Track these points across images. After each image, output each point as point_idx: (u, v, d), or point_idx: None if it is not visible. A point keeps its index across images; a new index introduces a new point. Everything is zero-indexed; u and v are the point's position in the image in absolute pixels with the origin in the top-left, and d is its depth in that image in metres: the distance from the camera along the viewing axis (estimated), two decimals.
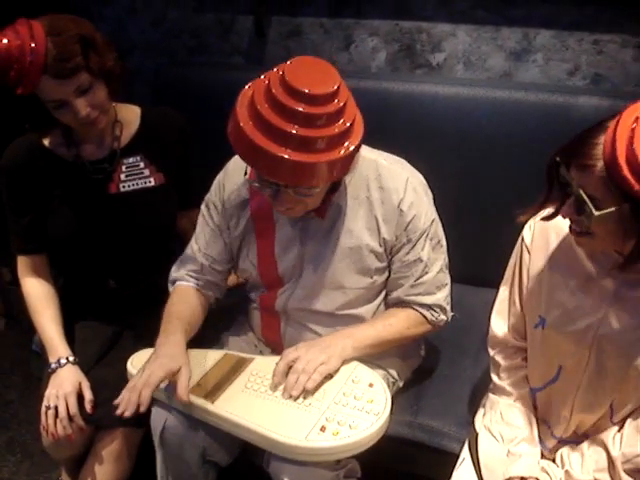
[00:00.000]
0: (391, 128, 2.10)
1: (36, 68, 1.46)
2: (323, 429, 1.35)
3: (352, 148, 1.30)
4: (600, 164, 1.06)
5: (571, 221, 1.20)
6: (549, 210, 1.28)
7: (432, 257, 1.57)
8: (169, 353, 1.47)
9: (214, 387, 1.49)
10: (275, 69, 1.27)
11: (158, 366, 1.43)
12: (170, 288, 1.72)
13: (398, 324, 1.59)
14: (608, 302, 1.27)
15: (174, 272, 1.72)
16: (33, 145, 1.71)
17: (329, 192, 1.49)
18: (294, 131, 1.23)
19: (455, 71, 2.23)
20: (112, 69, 1.60)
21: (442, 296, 1.60)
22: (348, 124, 1.29)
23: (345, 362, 1.52)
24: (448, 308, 1.64)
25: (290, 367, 1.46)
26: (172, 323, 1.57)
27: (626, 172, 1.02)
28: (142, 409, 1.39)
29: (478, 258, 2.07)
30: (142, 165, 1.76)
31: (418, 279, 1.57)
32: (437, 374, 1.85)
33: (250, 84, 1.32)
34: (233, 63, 2.48)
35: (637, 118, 1.03)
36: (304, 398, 1.43)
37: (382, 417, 1.39)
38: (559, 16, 2.03)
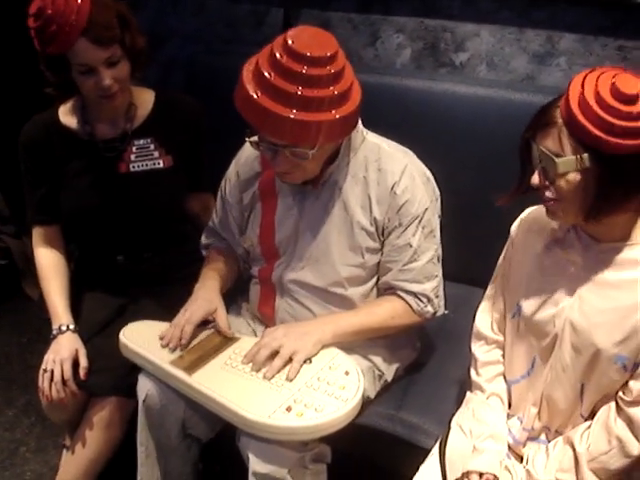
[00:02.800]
0: (411, 125, 2.10)
1: (77, 28, 1.54)
2: (289, 409, 1.38)
3: (348, 112, 1.39)
4: (560, 121, 1.16)
5: (540, 190, 1.24)
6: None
7: (423, 245, 1.59)
8: (206, 296, 1.65)
9: (195, 361, 1.54)
10: (276, 40, 1.37)
11: (197, 307, 1.61)
12: (204, 252, 1.87)
13: (383, 313, 1.61)
14: (578, 285, 1.29)
15: (204, 240, 1.87)
16: (50, 122, 1.80)
17: (326, 163, 1.54)
18: (298, 92, 1.33)
19: (478, 71, 2.22)
20: (140, 51, 1.70)
21: (430, 287, 1.61)
22: (346, 87, 1.39)
23: (325, 348, 1.54)
24: (436, 301, 1.64)
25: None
26: (208, 273, 1.75)
27: (581, 119, 1.11)
28: (184, 342, 1.57)
29: (485, 259, 2.04)
30: (152, 147, 1.83)
31: (406, 264, 1.58)
32: (429, 371, 1.85)
33: (253, 57, 1.42)
34: None
35: (585, 76, 1.15)
36: (279, 379, 1.47)
37: (350, 404, 1.41)
38: (584, 20, 2.00)
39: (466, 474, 1.35)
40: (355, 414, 1.44)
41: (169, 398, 1.57)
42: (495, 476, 1.33)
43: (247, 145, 1.69)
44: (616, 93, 1.10)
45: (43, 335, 2.69)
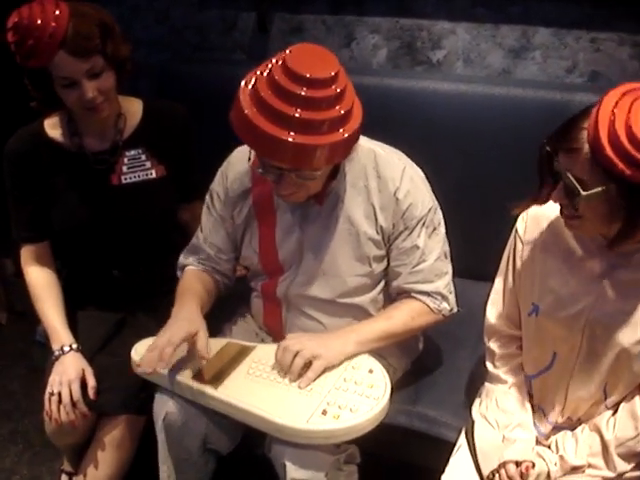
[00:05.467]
0: (391, 124, 2.11)
1: (55, 41, 1.49)
2: (324, 413, 1.38)
3: (352, 131, 1.35)
4: (586, 147, 1.11)
5: (561, 206, 1.24)
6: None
7: (429, 244, 1.59)
8: (187, 317, 1.53)
9: (217, 374, 1.51)
10: (276, 56, 1.32)
11: (178, 328, 1.48)
12: (179, 274, 1.76)
13: (402, 316, 1.60)
14: (598, 286, 1.31)
15: (182, 260, 1.77)
16: (36, 134, 1.74)
17: (329, 178, 1.52)
18: (297, 114, 1.28)
19: (455, 68, 2.26)
20: (124, 60, 1.66)
21: (442, 284, 1.62)
22: (349, 107, 1.34)
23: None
24: (450, 297, 1.64)
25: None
26: (186, 295, 1.64)
27: (609, 152, 1.07)
28: (163, 366, 1.44)
29: (477, 253, 2.08)
30: (144, 157, 1.79)
31: (415, 266, 1.59)
32: (435, 365, 1.87)
33: (251, 72, 1.36)
34: (236, 59, 2.52)
35: (617, 102, 1.08)
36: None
37: (382, 401, 1.42)
38: (558, 14, 2.06)
39: (502, 464, 1.37)
40: (387, 411, 1.45)
41: (190, 414, 1.54)
42: (532, 462, 1.36)
43: (233, 160, 1.67)
44: None
45: (20, 359, 2.63)
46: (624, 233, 1.17)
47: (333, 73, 1.30)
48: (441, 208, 1.65)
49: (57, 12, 1.50)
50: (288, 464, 1.42)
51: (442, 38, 2.22)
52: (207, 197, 1.72)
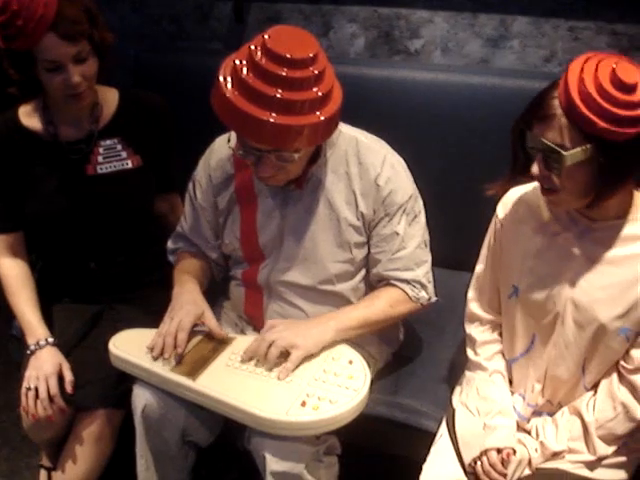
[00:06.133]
0: (369, 113, 2.09)
1: (45, 22, 1.48)
2: (304, 404, 1.37)
3: (330, 114, 1.36)
4: (559, 111, 1.14)
5: (541, 179, 1.24)
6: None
7: (409, 232, 1.59)
8: (190, 299, 1.58)
9: (195, 365, 1.50)
10: (254, 39, 1.32)
11: (185, 313, 1.53)
12: (171, 258, 1.80)
13: (381, 304, 1.60)
14: (574, 263, 1.32)
15: (172, 245, 1.81)
16: (11, 122, 1.71)
17: (309, 163, 1.52)
18: (277, 95, 1.28)
19: (433, 57, 2.25)
20: (108, 48, 1.65)
21: (421, 272, 1.62)
22: (328, 88, 1.35)
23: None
24: (429, 286, 1.65)
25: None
26: (184, 276, 1.68)
27: (584, 110, 1.10)
28: (180, 350, 1.49)
29: (458, 242, 2.08)
30: (120, 147, 1.77)
31: (395, 253, 1.59)
32: (416, 355, 1.87)
33: (229, 56, 1.36)
34: (212, 49, 2.49)
35: (582, 67, 1.13)
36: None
37: (361, 393, 1.41)
38: (535, 3, 2.06)
39: (484, 452, 1.37)
40: (366, 402, 1.44)
41: (169, 406, 1.52)
42: (513, 449, 1.36)
43: (216, 147, 1.67)
44: (617, 82, 1.09)
45: None
46: (600, 193, 1.19)
47: (312, 54, 1.31)
48: (422, 197, 1.65)
49: None
50: (268, 456, 1.41)
51: (420, 27, 2.21)
52: (189, 186, 1.72)
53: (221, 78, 1.34)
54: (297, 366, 1.46)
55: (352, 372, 1.47)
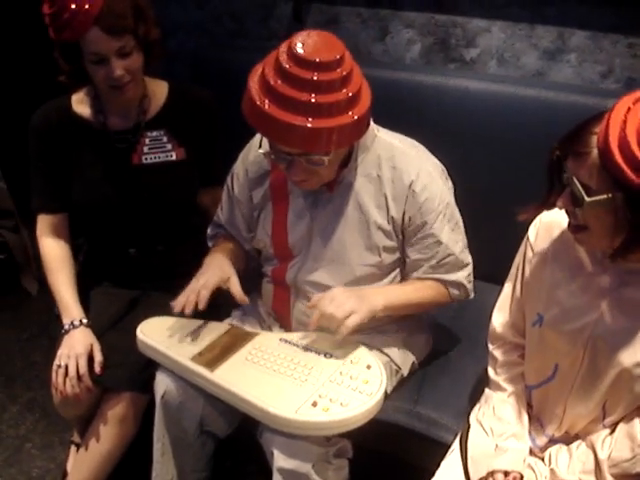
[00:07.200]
0: (421, 120, 2.11)
1: (90, 16, 1.53)
2: (315, 404, 1.38)
3: (362, 113, 1.37)
4: (595, 152, 1.07)
5: (568, 214, 1.20)
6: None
7: (452, 238, 1.60)
8: (218, 264, 1.64)
9: (216, 357, 1.53)
10: (280, 46, 1.34)
11: (211, 274, 1.59)
12: (210, 243, 1.84)
13: (425, 290, 1.63)
14: (604, 302, 1.27)
15: (210, 232, 1.86)
16: (64, 108, 1.78)
17: (340, 166, 1.53)
18: (311, 99, 1.30)
19: (488, 67, 2.22)
20: (154, 43, 1.69)
21: (463, 275, 1.64)
22: (357, 87, 1.36)
23: (346, 341, 1.53)
24: (469, 286, 1.68)
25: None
26: (217, 250, 1.75)
27: (618, 158, 1.03)
28: (201, 306, 1.53)
29: (495, 254, 2.04)
30: (165, 139, 1.81)
31: (440, 261, 1.60)
32: (443, 366, 1.85)
33: (258, 64, 1.39)
34: (270, 47, 2.50)
35: (629, 108, 1.04)
36: (302, 373, 1.47)
37: (374, 398, 1.41)
38: (595, 17, 2.00)
39: (491, 473, 1.35)
40: (379, 408, 1.44)
41: (188, 394, 1.56)
42: (521, 474, 1.33)
43: (255, 142, 1.69)
44: None
45: (44, 330, 2.70)
46: (628, 245, 1.13)
47: (338, 56, 1.32)
48: (463, 206, 1.65)
49: None
50: (276, 452, 1.43)
51: (477, 36, 2.18)
52: (228, 178, 1.76)
53: (251, 86, 1.36)
54: (317, 362, 1.48)
55: (368, 377, 1.47)
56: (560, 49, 2.10)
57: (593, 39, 2.04)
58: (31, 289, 2.95)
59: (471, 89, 2.10)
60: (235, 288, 1.58)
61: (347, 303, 1.47)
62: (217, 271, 1.60)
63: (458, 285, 1.65)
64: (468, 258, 1.66)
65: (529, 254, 1.42)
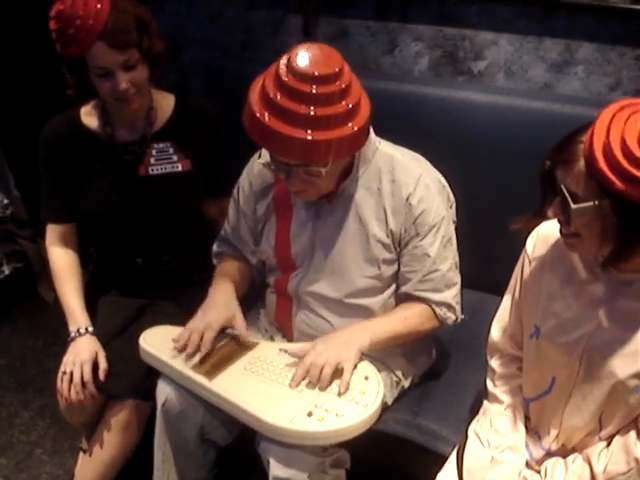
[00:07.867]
0: (429, 132, 2.12)
1: (94, 31, 1.57)
2: (310, 414, 1.39)
3: (360, 125, 1.38)
4: (581, 160, 1.08)
5: (559, 223, 1.21)
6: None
7: (442, 254, 1.59)
8: (223, 301, 1.64)
9: (215, 366, 1.55)
10: (279, 59, 1.36)
11: (216, 314, 1.60)
12: (215, 261, 1.85)
13: (413, 319, 1.61)
14: (598, 313, 1.27)
15: (216, 248, 1.86)
16: (72, 120, 1.82)
17: (340, 178, 1.54)
18: (311, 112, 1.31)
19: (496, 80, 2.23)
20: (159, 55, 1.72)
21: (450, 295, 1.62)
22: (355, 101, 1.37)
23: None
24: (457, 308, 1.65)
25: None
26: (222, 278, 1.74)
27: (602, 165, 1.04)
28: (203, 350, 1.54)
29: (496, 265, 2.04)
30: (171, 151, 1.84)
31: (427, 275, 1.59)
32: (445, 378, 1.85)
33: (258, 78, 1.40)
34: None
35: (614, 115, 1.05)
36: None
37: (370, 409, 1.42)
38: (602, 29, 2.00)
39: None
40: (375, 419, 1.45)
41: (188, 403, 1.58)
42: None
43: (259, 154, 1.70)
44: None
45: (59, 338, 2.70)
46: (617, 253, 1.13)
47: (337, 69, 1.33)
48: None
49: (98, 6, 1.57)
50: (272, 461, 1.44)
51: (484, 49, 2.19)
52: (234, 190, 1.78)
53: (252, 98, 1.37)
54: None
55: (365, 388, 1.47)
56: (567, 61, 2.10)
57: (600, 51, 2.04)
58: (48, 297, 2.98)
59: (479, 102, 2.11)
60: (241, 327, 1.61)
61: (332, 356, 1.48)
62: (222, 310, 1.61)
63: (445, 305, 1.63)
64: (456, 278, 1.64)
65: (527, 266, 1.42)
